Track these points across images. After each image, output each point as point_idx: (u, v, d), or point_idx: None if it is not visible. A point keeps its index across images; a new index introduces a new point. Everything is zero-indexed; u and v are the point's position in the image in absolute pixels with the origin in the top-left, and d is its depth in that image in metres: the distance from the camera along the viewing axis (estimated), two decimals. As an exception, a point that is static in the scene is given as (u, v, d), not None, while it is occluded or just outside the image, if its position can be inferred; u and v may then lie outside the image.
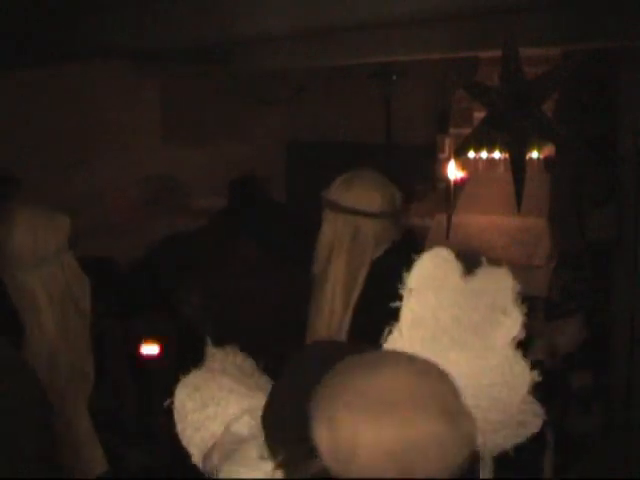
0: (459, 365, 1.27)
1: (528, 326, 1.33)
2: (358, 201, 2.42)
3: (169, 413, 1.45)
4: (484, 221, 4.59)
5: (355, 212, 2.41)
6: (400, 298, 2.24)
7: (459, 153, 4.14)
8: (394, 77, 5.51)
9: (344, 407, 1.03)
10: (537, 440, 1.43)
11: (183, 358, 2.21)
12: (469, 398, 1.13)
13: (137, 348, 2.33)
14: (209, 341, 1.55)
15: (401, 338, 1.43)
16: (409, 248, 2.24)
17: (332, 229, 2.45)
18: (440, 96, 5.25)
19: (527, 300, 1.35)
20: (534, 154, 4.38)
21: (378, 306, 2.05)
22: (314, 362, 1.26)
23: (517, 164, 3.61)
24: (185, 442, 1.41)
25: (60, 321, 2.01)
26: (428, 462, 1.00)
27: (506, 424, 1.31)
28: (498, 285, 1.35)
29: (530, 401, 1.32)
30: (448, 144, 4.85)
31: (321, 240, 2.48)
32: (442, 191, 4.66)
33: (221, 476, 1.28)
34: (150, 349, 2.30)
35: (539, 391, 1.32)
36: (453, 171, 4.40)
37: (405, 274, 1.91)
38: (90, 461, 2.02)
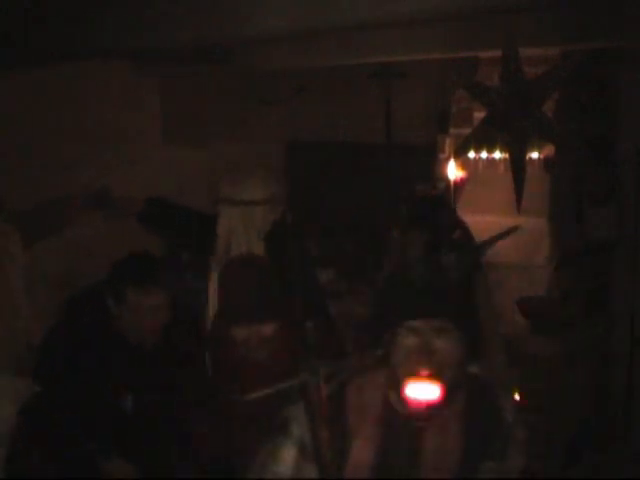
0: None
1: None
2: (247, 192, 2.90)
3: None
4: (484, 221, 4.58)
5: (246, 202, 2.87)
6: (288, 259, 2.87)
7: (459, 153, 4.14)
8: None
9: None
10: None
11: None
12: None
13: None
14: None
15: None
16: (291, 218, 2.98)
17: (228, 221, 2.88)
18: (440, 96, 5.25)
19: None
20: (534, 154, 4.38)
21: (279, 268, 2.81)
22: None
23: (517, 164, 3.61)
24: None
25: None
26: None
27: None
28: None
29: None
30: (448, 144, 4.85)
31: (220, 233, 2.89)
32: (442, 191, 4.66)
33: None
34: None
35: None
36: (453, 171, 4.40)
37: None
38: None
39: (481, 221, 4.61)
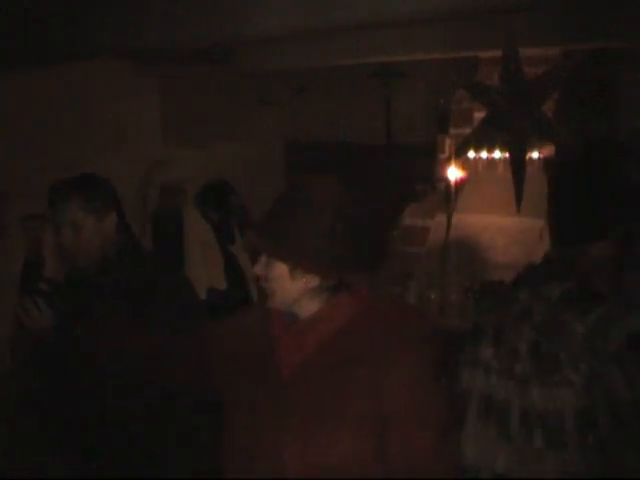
0: None
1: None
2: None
3: None
4: (484, 221, 4.58)
5: None
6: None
7: (459, 153, 4.13)
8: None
9: None
10: None
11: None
12: None
13: None
14: None
15: None
16: None
17: None
18: (440, 96, 5.25)
19: None
20: (534, 154, 4.38)
21: None
22: None
23: (517, 164, 3.61)
24: None
25: None
26: None
27: None
28: None
29: None
30: (448, 144, 4.84)
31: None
32: (442, 191, 4.65)
33: None
34: None
35: None
36: (453, 171, 4.40)
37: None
38: None
39: (481, 221, 4.61)
